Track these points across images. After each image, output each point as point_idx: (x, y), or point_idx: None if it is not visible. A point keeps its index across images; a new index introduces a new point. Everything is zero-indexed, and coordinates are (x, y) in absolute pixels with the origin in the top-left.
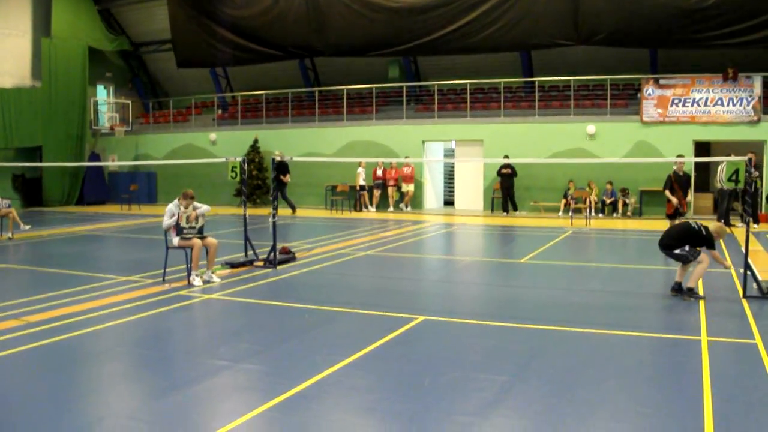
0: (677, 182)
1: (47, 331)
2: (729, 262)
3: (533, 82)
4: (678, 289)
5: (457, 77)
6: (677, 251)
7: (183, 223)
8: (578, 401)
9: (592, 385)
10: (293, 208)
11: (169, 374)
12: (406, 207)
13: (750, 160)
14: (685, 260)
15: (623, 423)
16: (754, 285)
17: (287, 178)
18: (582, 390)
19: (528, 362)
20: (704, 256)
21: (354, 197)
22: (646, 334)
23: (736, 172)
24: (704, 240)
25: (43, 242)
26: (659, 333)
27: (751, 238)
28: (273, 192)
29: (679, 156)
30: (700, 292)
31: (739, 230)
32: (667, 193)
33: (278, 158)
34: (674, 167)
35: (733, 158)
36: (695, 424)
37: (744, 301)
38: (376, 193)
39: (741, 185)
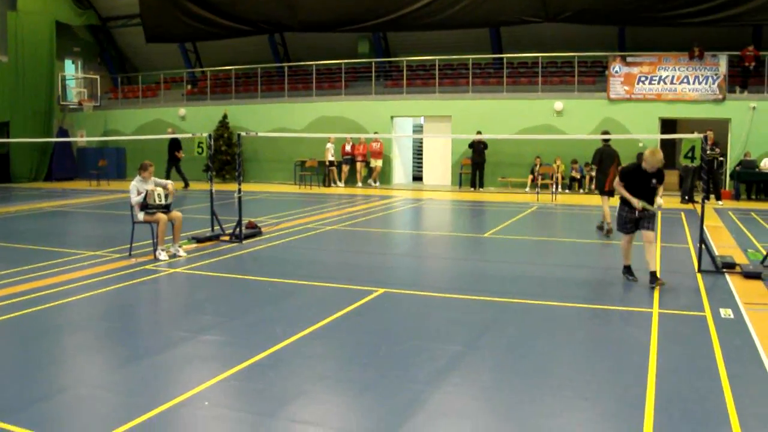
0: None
1: (12, 305)
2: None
3: (502, 58)
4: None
5: (427, 53)
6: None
7: (151, 201)
8: (526, 370)
9: (541, 355)
10: (186, 183)
11: (131, 345)
12: (375, 182)
13: (705, 137)
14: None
15: (567, 390)
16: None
17: (180, 154)
18: (531, 359)
19: (482, 333)
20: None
21: (323, 173)
22: (600, 307)
23: (692, 149)
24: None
25: (9, 218)
26: (613, 305)
27: (714, 215)
28: (167, 167)
29: (605, 132)
30: (658, 273)
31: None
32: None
33: (171, 135)
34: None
35: (690, 135)
36: (637, 391)
37: (698, 275)
38: (345, 168)
39: (697, 162)
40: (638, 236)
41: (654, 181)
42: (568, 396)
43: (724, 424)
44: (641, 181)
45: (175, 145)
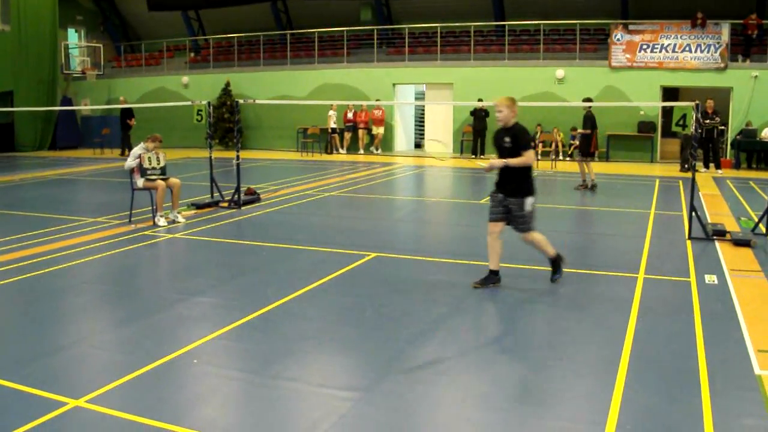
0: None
1: (17, 269)
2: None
3: (504, 26)
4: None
5: (429, 20)
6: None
7: (146, 164)
8: (508, 331)
9: (524, 317)
10: (124, 151)
11: (128, 307)
12: (377, 149)
13: (697, 105)
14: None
15: (545, 350)
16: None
17: (132, 122)
18: (513, 321)
19: (468, 296)
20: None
21: (325, 140)
22: (587, 271)
23: (684, 117)
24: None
25: (13, 186)
26: (599, 270)
27: (712, 183)
28: (122, 135)
29: (587, 100)
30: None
31: (700, 175)
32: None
33: (122, 105)
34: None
35: (685, 104)
36: (613, 351)
37: (688, 243)
38: (347, 135)
39: (689, 130)
40: (625, 203)
41: (507, 139)
42: (546, 355)
43: (694, 383)
44: (497, 140)
45: (126, 113)
